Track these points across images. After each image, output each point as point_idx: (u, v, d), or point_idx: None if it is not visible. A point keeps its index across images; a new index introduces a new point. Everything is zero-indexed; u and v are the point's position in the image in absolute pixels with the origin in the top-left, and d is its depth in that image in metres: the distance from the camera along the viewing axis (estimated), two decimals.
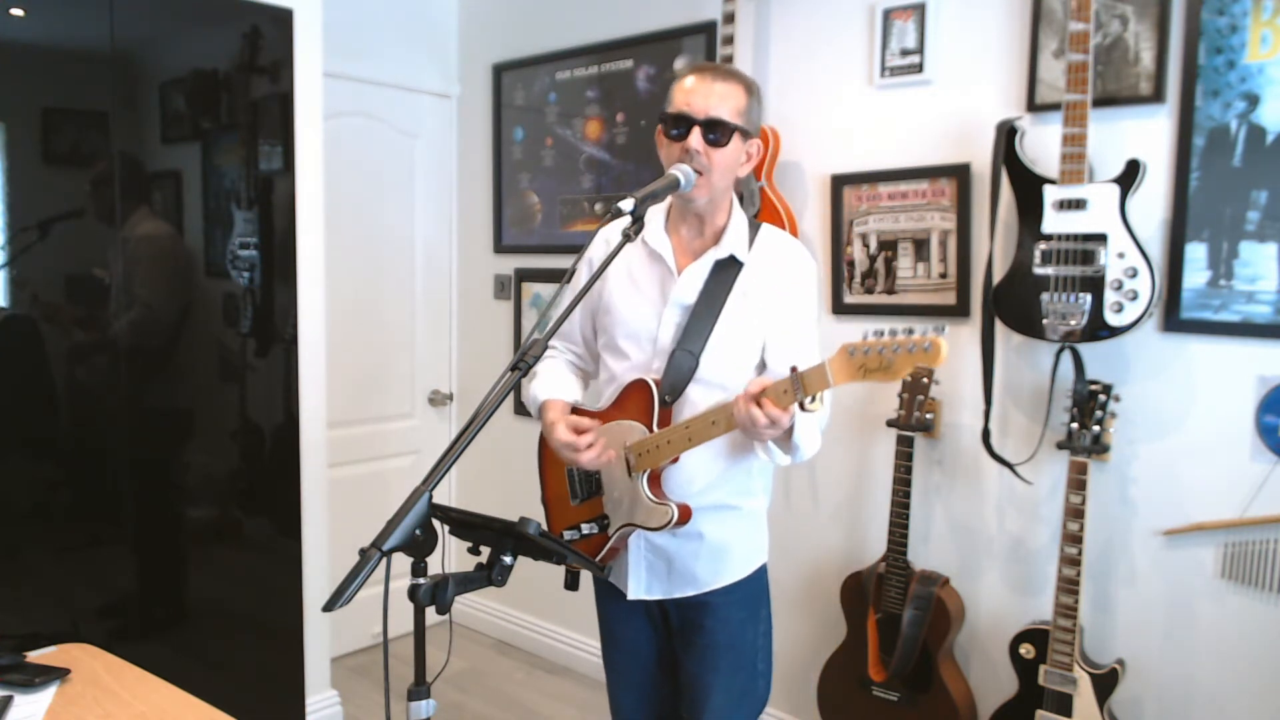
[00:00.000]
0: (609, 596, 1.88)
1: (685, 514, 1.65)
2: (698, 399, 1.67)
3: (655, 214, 1.77)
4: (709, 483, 1.71)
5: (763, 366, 1.73)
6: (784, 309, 1.71)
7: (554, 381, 1.84)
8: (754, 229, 1.76)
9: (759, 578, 1.82)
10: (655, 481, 1.67)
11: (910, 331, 1.34)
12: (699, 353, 1.67)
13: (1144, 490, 2.22)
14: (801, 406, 1.46)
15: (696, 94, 1.64)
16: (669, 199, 1.74)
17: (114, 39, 2.31)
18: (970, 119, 2.43)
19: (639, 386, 1.69)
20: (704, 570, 1.76)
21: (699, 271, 1.71)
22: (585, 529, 1.75)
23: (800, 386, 1.45)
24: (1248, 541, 2.08)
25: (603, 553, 1.76)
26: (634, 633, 1.87)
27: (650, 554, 1.77)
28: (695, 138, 1.62)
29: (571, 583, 1.85)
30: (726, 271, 1.70)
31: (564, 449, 1.67)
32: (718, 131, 1.62)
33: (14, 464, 2.26)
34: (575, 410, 1.79)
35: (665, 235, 1.75)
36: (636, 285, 1.76)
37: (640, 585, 1.78)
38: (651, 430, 1.66)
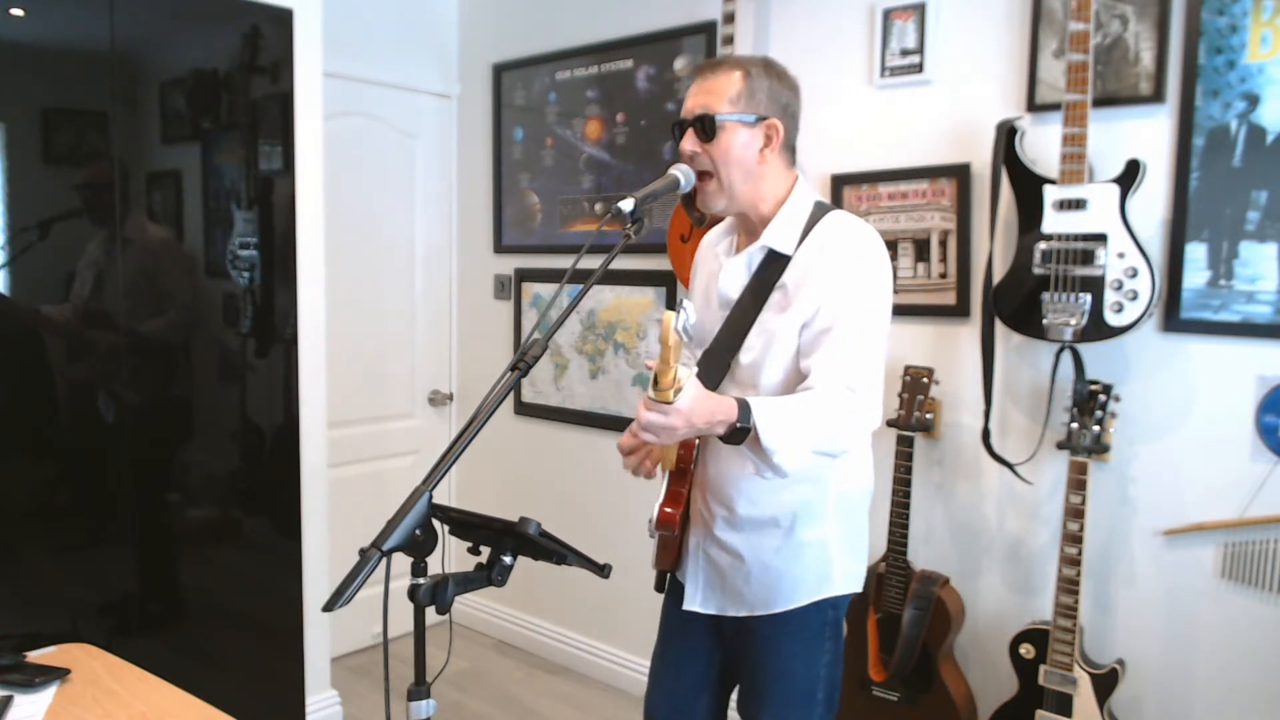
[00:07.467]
0: (676, 600, 1.82)
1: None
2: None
3: (729, 220, 1.77)
4: (750, 499, 1.65)
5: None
6: (820, 305, 1.55)
7: None
8: (816, 218, 1.63)
9: (821, 610, 1.69)
10: (676, 477, 1.69)
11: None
12: (735, 351, 1.62)
13: (1144, 490, 2.22)
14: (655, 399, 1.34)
15: (689, 96, 1.63)
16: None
17: (114, 39, 2.31)
18: (970, 119, 2.43)
19: None
20: (753, 592, 1.68)
21: (738, 266, 1.67)
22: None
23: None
24: (1247, 541, 2.08)
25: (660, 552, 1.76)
26: (689, 643, 1.82)
27: (707, 566, 1.73)
28: (687, 140, 1.60)
29: (660, 583, 1.85)
30: (774, 266, 1.62)
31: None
32: (706, 126, 1.58)
33: (14, 464, 2.26)
34: None
35: (732, 238, 1.73)
36: (707, 291, 1.75)
37: (696, 597, 1.75)
38: None
